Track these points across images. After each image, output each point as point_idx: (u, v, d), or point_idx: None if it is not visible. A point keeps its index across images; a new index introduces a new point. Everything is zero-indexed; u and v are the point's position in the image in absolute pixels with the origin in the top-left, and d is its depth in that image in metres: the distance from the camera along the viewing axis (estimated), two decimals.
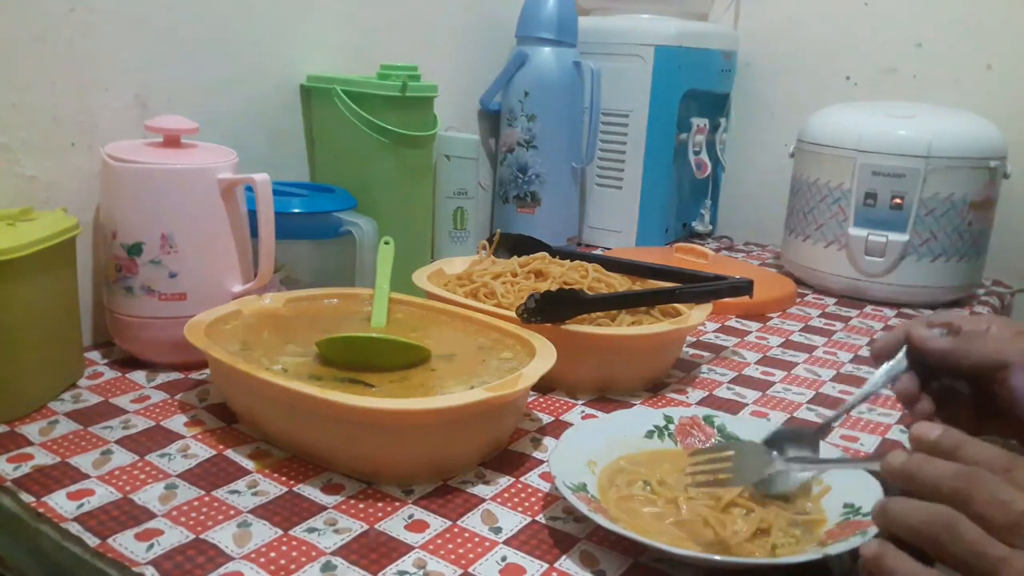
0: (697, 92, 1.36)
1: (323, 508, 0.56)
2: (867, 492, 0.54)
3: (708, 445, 0.61)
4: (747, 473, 0.54)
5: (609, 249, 1.30)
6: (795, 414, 0.76)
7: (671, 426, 0.65)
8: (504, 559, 0.52)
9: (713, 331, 0.98)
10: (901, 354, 0.58)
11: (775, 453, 0.55)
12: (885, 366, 0.58)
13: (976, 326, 0.56)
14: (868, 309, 1.12)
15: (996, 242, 1.18)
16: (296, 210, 0.86)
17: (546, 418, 0.72)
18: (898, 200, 1.10)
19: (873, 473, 0.53)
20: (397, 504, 0.57)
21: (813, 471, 0.55)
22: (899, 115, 1.13)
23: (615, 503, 0.56)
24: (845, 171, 1.12)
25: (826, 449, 0.62)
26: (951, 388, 0.58)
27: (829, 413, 0.76)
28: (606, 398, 0.76)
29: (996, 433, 0.57)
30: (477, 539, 0.53)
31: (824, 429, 0.59)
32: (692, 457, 0.56)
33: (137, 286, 0.74)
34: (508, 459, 0.64)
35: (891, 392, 0.58)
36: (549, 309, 0.74)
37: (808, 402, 0.79)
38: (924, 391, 0.57)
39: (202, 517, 0.54)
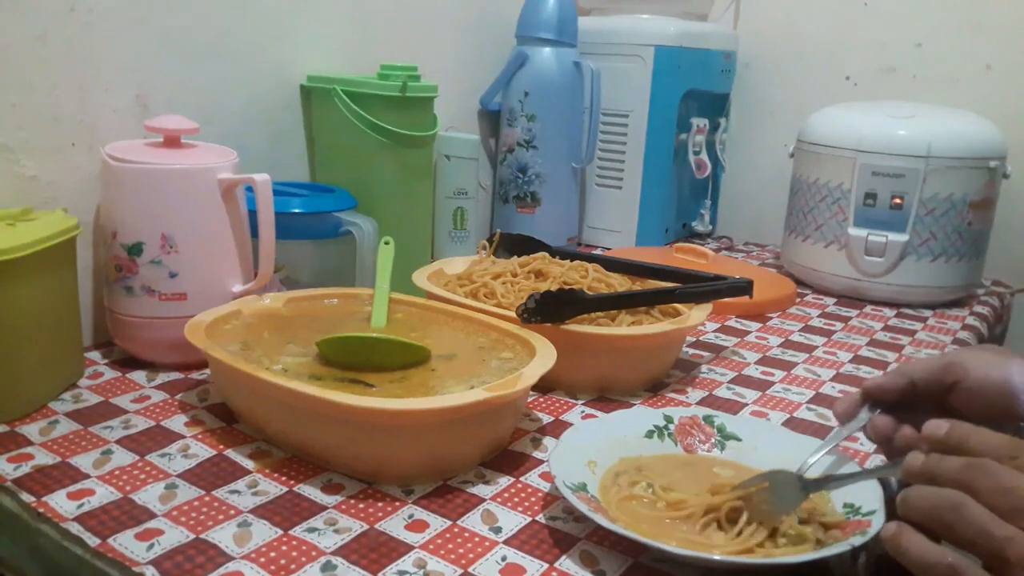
0: (697, 92, 1.36)
1: (323, 508, 0.56)
2: (867, 492, 0.54)
3: (745, 482, 0.56)
4: (786, 503, 0.53)
5: (609, 249, 1.30)
6: (795, 414, 0.76)
7: (671, 426, 0.65)
8: (504, 559, 0.52)
9: (713, 331, 0.98)
10: (864, 411, 0.59)
11: (804, 477, 0.54)
12: (848, 426, 0.59)
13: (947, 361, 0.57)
14: (868, 309, 1.12)
15: (996, 242, 1.18)
16: (296, 210, 0.86)
17: (546, 418, 0.72)
18: (898, 200, 1.10)
19: (896, 481, 0.54)
20: (397, 504, 0.57)
21: (842, 486, 0.55)
22: (899, 115, 1.13)
23: (616, 503, 0.56)
24: (845, 171, 1.12)
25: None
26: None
27: (829, 413, 0.76)
28: (606, 398, 0.76)
29: None
30: (477, 539, 0.53)
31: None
32: (733, 492, 0.55)
33: (137, 286, 0.74)
34: (508, 459, 0.64)
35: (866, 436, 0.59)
36: (549, 309, 0.74)
37: (808, 402, 0.79)
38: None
39: (202, 517, 0.54)
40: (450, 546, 0.53)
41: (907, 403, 0.58)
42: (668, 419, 0.66)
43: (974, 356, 0.56)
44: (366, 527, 0.54)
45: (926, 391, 0.57)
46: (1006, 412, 0.54)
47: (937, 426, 0.46)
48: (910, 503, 0.44)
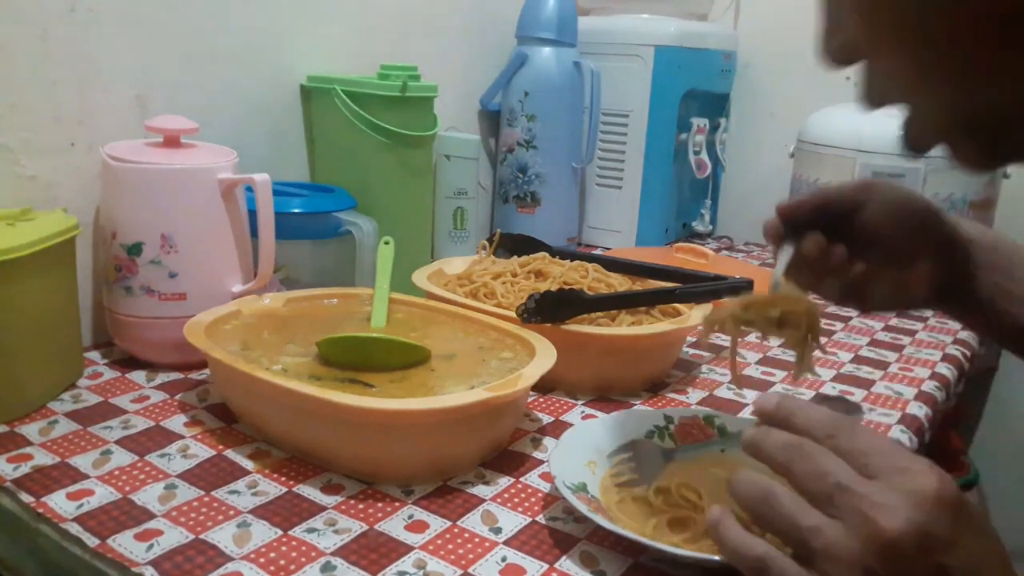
0: (697, 92, 1.35)
1: (323, 508, 0.56)
2: None
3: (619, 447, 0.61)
4: (648, 472, 0.57)
5: (609, 249, 1.30)
6: None
7: (671, 426, 0.65)
8: (504, 559, 0.52)
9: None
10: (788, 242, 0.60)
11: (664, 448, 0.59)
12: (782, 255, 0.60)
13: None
14: None
15: None
16: (296, 210, 0.86)
17: (546, 418, 0.72)
18: None
19: None
20: (397, 504, 0.57)
21: (698, 455, 0.59)
22: (899, 115, 1.13)
23: (616, 504, 0.56)
24: (845, 171, 1.12)
25: None
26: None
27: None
28: (606, 398, 0.76)
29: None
30: (477, 539, 0.53)
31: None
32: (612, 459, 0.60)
33: (137, 286, 0.74)
34: (508, 459, 0.64)
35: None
36: (549, 309, 0.74)
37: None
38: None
39: (202, 517, 0.54)
40: (450, 546, 0.52)
41: (820, 224, 0.60)
42: (668, 419, 0.65)
43: (882, 181, 0.63)
44: (366, 527, 0.54)
45: (838, 206, 0.60)
46: (903, 226, 0.59)
47: (766, 400, 0.45)
48: (731, 491, 0.43)
